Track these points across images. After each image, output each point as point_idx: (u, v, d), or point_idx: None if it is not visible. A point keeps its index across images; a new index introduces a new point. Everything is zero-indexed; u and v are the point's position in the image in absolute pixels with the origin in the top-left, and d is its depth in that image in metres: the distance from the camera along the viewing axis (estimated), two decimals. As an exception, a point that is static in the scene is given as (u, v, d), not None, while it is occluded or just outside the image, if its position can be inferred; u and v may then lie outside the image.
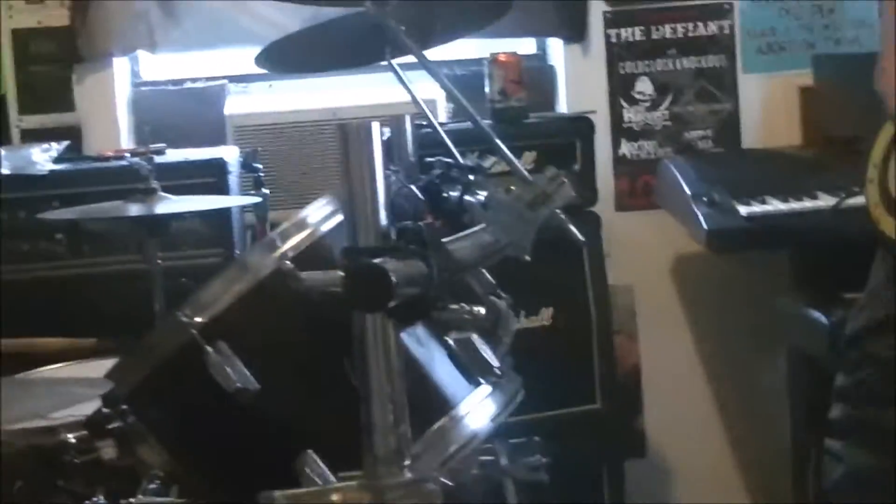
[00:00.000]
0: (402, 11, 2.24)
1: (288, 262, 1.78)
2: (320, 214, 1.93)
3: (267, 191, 3.28)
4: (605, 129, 3.82)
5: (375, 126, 1.66)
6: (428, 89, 3.20)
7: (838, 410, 2.64)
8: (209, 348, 1.78)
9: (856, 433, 2.60)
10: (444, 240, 1.78)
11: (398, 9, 2.23)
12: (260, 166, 3.33)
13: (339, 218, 1.84)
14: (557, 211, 2.04)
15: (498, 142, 2.13)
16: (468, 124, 2.26)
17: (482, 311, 1.78)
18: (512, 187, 2.02)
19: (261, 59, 2.49)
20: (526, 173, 2.05)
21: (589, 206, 3.44)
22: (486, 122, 3.31)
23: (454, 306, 1.74)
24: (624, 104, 3.85)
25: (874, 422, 2.56)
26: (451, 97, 2.22)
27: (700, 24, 3.86)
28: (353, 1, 2.23)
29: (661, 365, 3.87)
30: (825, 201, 3.33)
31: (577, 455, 3.28)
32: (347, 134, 1.65)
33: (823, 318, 3.21)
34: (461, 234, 1.92)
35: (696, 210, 3.35)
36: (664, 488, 3.90)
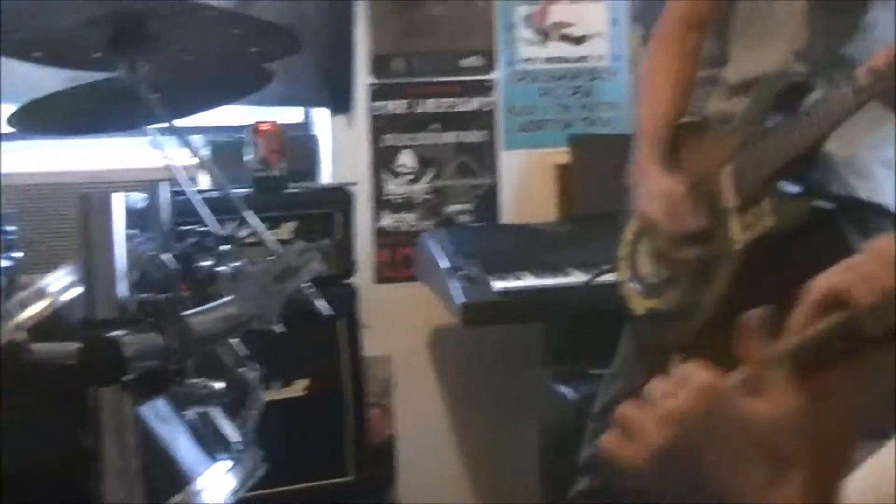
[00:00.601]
0: (159, 78, 2.23)
1: (22, 333, 1.73)
2: (61, 283, 1.89)
3: (19, 254, 3.18)
4: (367, 201, 3.85)
5: (117, 198, 1.64)
6: (190, 155, 3.19)
7: (587, 482, 2.70)
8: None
9: None
10: (188, 312, 1.76)
11: (154, 75, 2.21)
12: (12, 228, 3.23)
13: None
14: (306, 284, 2.05)
15: (248, 213, 2.13)
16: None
17: (220, 385, 1.77)
18: (260, 259, 2.02)
19: (13, 120, 2.44)
20: (275, 245, 2.05)
21: (347, 278, 3.46)
22: (246, 191, 3.35)
23: (192, 380, 1.72)
24: (386, 176, 3.90)
25: (619, 493, 2.63)
26: (202, 165, 2.21)
27: (463, 100, 3.94)
28: (105, 67, 2.21)
29: (417, 436, 3.89)
30: (577, 277, 3.42)
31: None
32: (87, 205, 1.63)
33: (571, 393, 3.30)
34: (206, 306, 1.90)
35: (450, 284, 3.40)
36: (416, 559, 3.91)
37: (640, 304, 2.59)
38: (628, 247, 2.67)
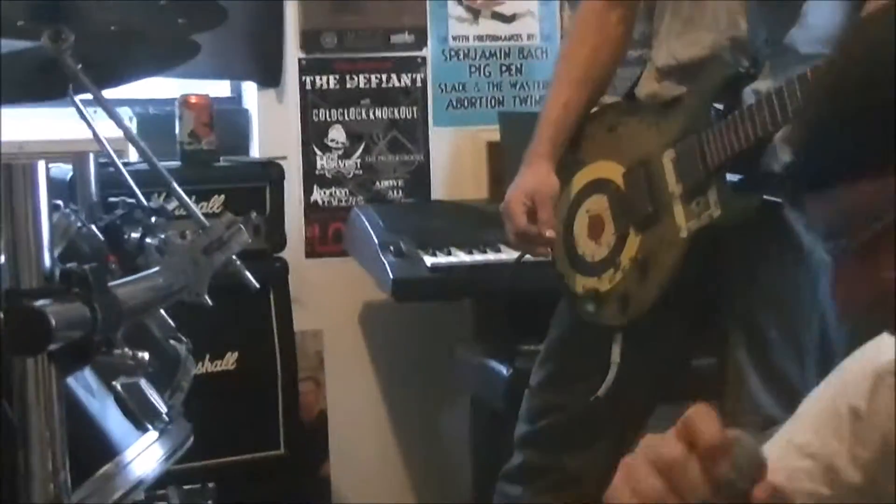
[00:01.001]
0: (83, 49, 2.20)
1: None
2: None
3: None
4: (298, 175, 3.84)
5: (41, 166, 1.62)
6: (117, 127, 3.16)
7: (522, 457, 2.71)
8: None
9: (540, 478, 2.67)
10: (115, 282, 1.75)
11: (78, 46, 2.19)
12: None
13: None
14: (234, 257, 2.04)
15: (174, 185, 2.12)
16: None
17: (148, 356, 1.76)
18: (188, 232, 2.02)
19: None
20: (202, 218, 2.05)
21: (277, 252, 3.45)
22: (174, 164, 3.34)
23: (118, 351, 1.71)
24: (317, 151, 3.89)
25: (559, 466, 2.64)
26: (129, 138, 2.20)
27: (393, 76, 3.93)
28: (28, 36, 2.18)
29: (348, 411, 3.90)
30: (508, 254, 3.43)
31: (259, 501, 3.27)
32: (11, 174, 1.61)
33: (503, 369, 3.31)
34: (133, 276, 1.89)
35: (382, 259, 3.40)
36: (347, 535, 3.93)
37: (577, 283, 2.58)
38: (562, 223, 2.65)
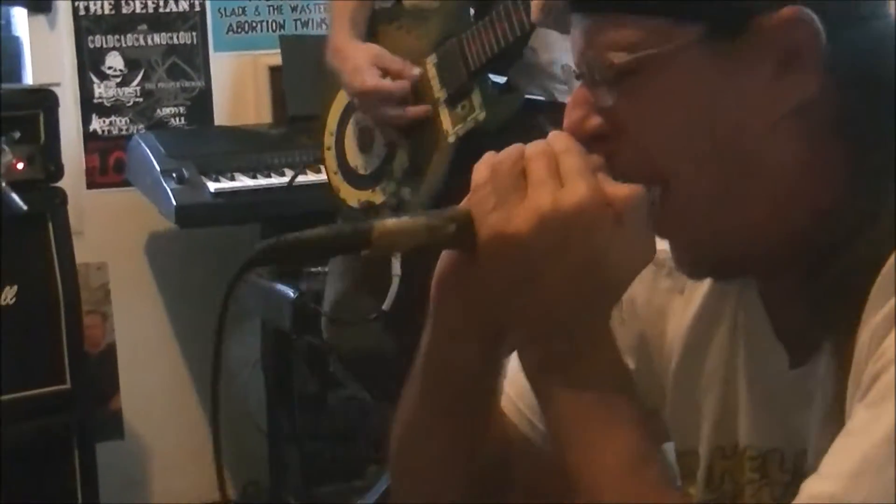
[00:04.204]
0: None
1: None
2: None
3: None
4: (75, 104, 3.75)
5: None
6: None
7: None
8: None
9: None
10: None
11: None
12: None
13: None
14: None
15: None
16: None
17: None
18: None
19: None
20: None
21: (54, 182, 3.36)
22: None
23: None
24: (94, 79, 3.79)
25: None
26: None
27: (171, 1, 3.86)
28: None
29: (136, 343, 3.85)
30: (291, 178, 3.43)
31: (44, 436, 3.22)
32: None
33: (289, 291, 3.31)
34: None
35: (165, 186, 3.36)
36: (141, 467, 3.89)
37: (351, 196, 2.60)
38: (332, 136, 2.65)
